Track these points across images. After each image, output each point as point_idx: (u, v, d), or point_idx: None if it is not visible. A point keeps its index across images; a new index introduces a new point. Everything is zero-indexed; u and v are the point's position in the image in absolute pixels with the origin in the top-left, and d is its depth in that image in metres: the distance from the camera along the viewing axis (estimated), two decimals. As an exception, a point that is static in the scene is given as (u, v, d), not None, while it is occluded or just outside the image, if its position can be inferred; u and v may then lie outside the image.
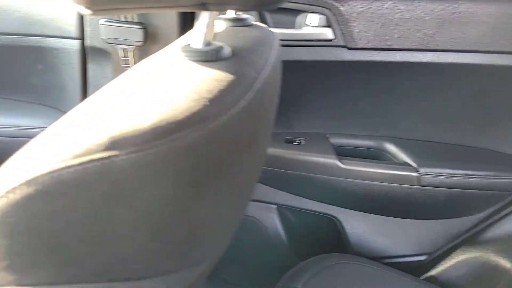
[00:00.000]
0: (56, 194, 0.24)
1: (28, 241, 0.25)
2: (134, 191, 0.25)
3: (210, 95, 0.28)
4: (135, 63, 0.75)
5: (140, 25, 0.72)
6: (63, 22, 0.80)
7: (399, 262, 0.87)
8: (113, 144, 0.24)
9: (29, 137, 0.82)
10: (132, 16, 0.71)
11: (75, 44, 0.82)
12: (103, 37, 0.73)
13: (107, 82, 0.86)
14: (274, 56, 0.42)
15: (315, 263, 0.73)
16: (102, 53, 0.79)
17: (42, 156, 0.25)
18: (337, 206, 0.89)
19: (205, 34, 0.33)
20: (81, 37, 0.81)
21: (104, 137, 0.24)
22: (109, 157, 0.24)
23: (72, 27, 0.80)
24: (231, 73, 0.32)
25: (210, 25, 0.33)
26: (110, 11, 0.31)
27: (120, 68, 0.76)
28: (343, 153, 0.84)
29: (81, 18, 0.79)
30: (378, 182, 0.80)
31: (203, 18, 0.33)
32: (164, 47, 0.76)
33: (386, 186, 0.80)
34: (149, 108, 0.26)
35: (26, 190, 0.24)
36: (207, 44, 0.34)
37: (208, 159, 0.28)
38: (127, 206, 0.25)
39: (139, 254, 0.27)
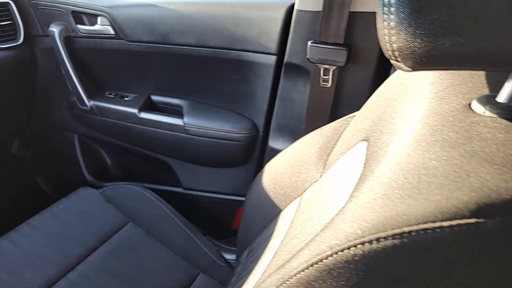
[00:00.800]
0: (421, 248, 0.26)
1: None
2: (487, 255, 0.26)
3: None
4: (333, 82, 0.78)
5: (346, 47, 0.74)
6: (265, 39, 0.88)
7: None
8: (480, 211, 0.25)
9: (217, 138, 0.91)
10: (340, 38, 0.74)
11: (272, 59, 0.89)
12: (308, 56, 0.78)
13: (297, 96, 0.91)
14: None
15: None
16: (298, 70, 0.84)
17: (409, 212, 0.27)
18: None
19: None
20: (279, 54, 0.88)
21: (470, 203, 0.25)
22: (476, 223, 0.25)
23: (272, 44, 0.87)
24: None
25: None
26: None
27: (318, 86, 0.80)
28: None
29: (283, 37, 0.86)
30: None
31: None
32: (362, 67, 0.78)
33: None
34: (503, 176, 0.26)
35: (393, 241, 0.27)
36: None
37: None
38: (475, 268, 0.26)
39: None
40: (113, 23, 1.02)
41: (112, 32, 1.03)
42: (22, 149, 1.39)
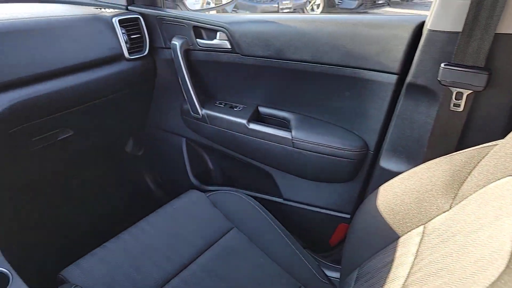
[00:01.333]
0: None
1: None
2: None
3: None
4: (465, 107, 0.73)
5: (487, 71, 0.69)
6: (386, 58, 0.86)
7: None
8: None
9: (325, 154, 0.90)
10: (480, 60, 0.69)
11: (393, 78, 0.87)
12: (440, 78, 0.74)
13: (418, 117, 0.87)
14: None
15: None
16: (422, 91, 0.81)
17: None
18: None
19: None
20: (400, 73, 0.85)
21: None
22: None
23: (394, 63, 0.85)
24: None
25: None
26: None
27: (447, 110, 0.76)
28: None
29: (408, 56, 0.83)
30: None
31: None
32: (502, 93, 0.72)
33: None
34: None
35: None
36: None
37: None
38: None
39: None
40: (230, 38, 1.07)
41: (228, 46, 1.09)
42: (135, 148, 1.53)
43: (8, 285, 0.75)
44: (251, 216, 1.04)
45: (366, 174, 1.01)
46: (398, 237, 0.70)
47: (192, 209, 1.05)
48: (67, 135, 1.11)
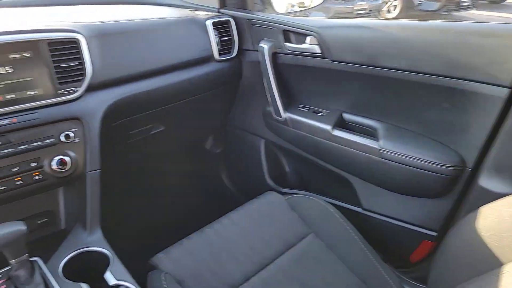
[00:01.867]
0: None
1: None
2: None
3: None
4: None
5: None
6: (499, 69, 0.79)
7: None
8: None
9: (416, 167, 0.85)
10: None
11: (503, 92, 0.80)
12: None
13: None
14: None
15: None
16: None
17: None
18: None
19: None
20: None
21: None
22: None
23: (508, 76, 0.78)
24: None
25: None
26: None
27: None
28: None
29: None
30: None
31: None
32: None
33: None
34: None
35: None
36: None
37: None
38: None
39: None
40: (320, 43, 1.06)
41: (318, 51, 1.08)
42: (214, 146, 1.59)
43: (109, 265, 0.82)
44: (330, 222, 1.03)
45: (460, 192, 0.94)
46: (502, 264, 0.65)
47: (271, 210, 1.06)
48: (158, 130, 1.18)
